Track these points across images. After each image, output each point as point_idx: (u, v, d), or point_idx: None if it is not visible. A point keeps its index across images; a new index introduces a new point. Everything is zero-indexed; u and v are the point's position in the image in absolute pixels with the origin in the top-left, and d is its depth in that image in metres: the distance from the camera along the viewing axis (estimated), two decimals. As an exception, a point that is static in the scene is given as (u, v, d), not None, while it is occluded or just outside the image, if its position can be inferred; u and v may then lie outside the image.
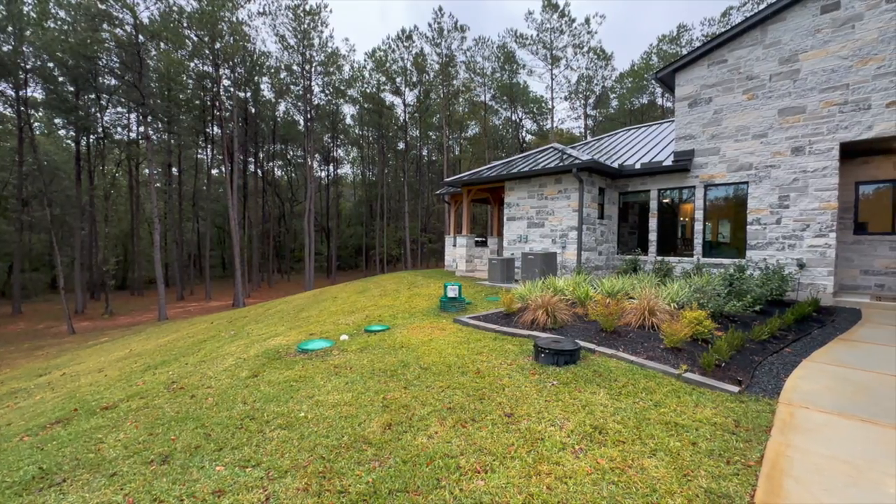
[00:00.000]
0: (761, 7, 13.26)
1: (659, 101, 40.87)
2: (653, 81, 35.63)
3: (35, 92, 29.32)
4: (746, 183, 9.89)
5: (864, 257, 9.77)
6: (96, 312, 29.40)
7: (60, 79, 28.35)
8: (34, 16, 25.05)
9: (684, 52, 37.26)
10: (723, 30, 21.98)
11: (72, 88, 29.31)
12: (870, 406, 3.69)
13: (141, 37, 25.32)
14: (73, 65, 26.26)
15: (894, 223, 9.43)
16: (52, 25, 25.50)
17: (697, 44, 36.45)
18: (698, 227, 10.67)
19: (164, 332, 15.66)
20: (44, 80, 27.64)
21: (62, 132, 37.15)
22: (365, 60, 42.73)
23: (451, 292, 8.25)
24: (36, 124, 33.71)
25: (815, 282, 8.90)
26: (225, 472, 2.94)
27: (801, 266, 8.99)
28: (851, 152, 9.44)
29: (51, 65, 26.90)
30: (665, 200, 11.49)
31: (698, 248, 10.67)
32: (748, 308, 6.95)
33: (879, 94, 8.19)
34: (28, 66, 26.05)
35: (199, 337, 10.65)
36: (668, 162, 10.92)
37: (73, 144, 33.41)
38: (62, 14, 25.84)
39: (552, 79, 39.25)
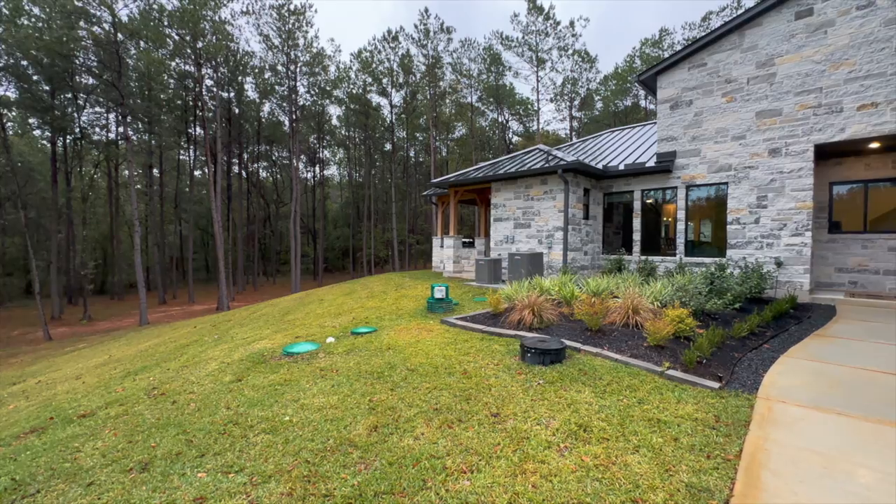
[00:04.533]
0: (739, 12, 13.61)
1: (642, 103, 41.59)
2: (636, 84, 36.21)
3: (8, 91, 28.37)
4: (726, 183, 10.12)
5: (838, 255, 10.09)
6: (74, 318, 28.55)
7: (35, 77, 27.44)
8: (6, 12, 24.22)
9: (666, 55, 37.99)
10: (703, 34, 22.48)
11: (47, 87, 28.41)
12: (843, 400, 3.81)
13: (120, 35, 24.72)
14: (49, 63, 25.47)
15: (866, 222, 9.77)
16: (26, 22, 24.70)
17: (679, 47, 37.24)
18: (680, 226, 10.88)
19: (145, 337, 15.30)
20: (17, 78, 26.72)
21: (37, 132, 36.00)
22: (351, 61, 42.53)
23: (439, 293, 8.25)
24: (9, 124, 32.61)
25: (792, 279, 9.16)
26: (207, 478, 2.89)
27: (779, 264, 9.24)
28: (825, 154, 9.75)
29: (25, 63, 26.03)
30: (648, 201, 11.69)
31: (681, 248, 10.88)
32: (728, 306, 7.11)
33: (851, 98, 8.47)
34: (0, 65, 25.19)
35: (181, 341, 10.44)
36: (651, 163, 11.12)
37: (48, 145, 32.40)
38: (36, 11, 25.05)
39: (538, 81, 39.64)
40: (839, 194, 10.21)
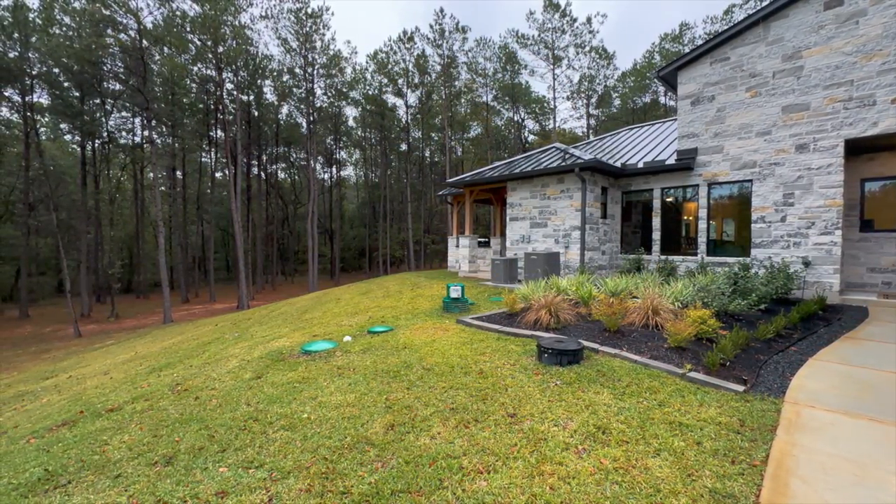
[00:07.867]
0: (763, 4, 13.22)
1: (661, 99, 40.73)
2: (655, 80, 35.52)
3: (41, 97, 29.69)
4: (750, 181, 9.83)
5: (870, 255, 9.68)
6: (102, 315, 29.61)
7: (66, 84, 28.64)
8: (39, 22, 25.32)
9: (687, 50, 37.11)
10: (725, 28, 21.85)
11: (77, 93, 29.59)
12: (876, 405, 3.65)
13: (145, 42, 25.52)
14: (78, 70, 26.50)
15: (901, 220, 9.34)
16: (58, 31, 25.75)
17: (700, 42, 36.29)
18: (702, 225, 10.61)
19: (168, 334, 15.75)
20: (49, 85, 27.93)
21: (68, 137, 37.57)
22: (367, 62, 42.95)
23: (454, 293, 8.24)
24: (42, 129, 34.09)
25: (820, 280, 8.83)
26: (228, 473, 2.95)
27: (807, 264, 8.92)
28: (856, 149, 9.36)
29: (56, 70, 27.18)
30: (668, 199, 11.44)
31: (702, 247, 10.61)
32: (753, 307, 6.89)
33: (884, 90, 8.12)
34: (34, 72, 26.34)
35: (203, 339, 10.71)
36: (671, 161, 10.87)
37: (78, 149, 33.73)
38: (67, 20, 26.10)
39: (554, 79, 39.21)
40: (871, 191, 9.79)
